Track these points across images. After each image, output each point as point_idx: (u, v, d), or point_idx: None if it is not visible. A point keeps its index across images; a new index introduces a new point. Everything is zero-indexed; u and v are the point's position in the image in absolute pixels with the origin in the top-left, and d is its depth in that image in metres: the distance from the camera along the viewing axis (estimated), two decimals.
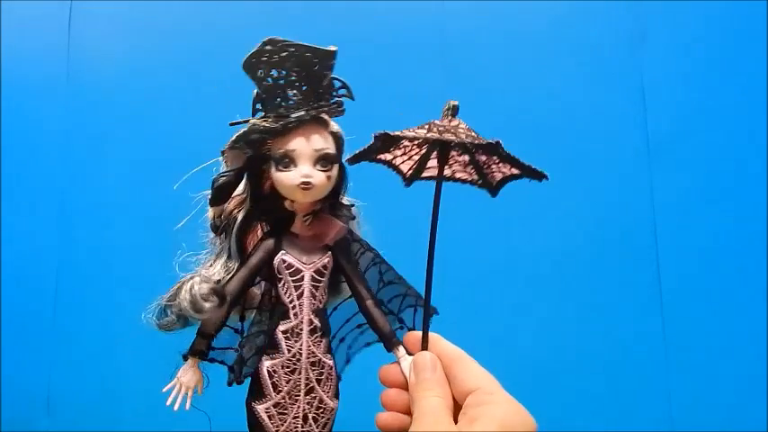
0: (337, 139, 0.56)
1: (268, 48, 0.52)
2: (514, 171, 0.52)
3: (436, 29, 1.15)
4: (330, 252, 0.56)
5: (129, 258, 1.12)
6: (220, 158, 0.56)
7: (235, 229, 0.56)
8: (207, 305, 0.52)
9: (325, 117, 0.55)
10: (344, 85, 0.54)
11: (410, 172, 0.57)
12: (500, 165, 0.53)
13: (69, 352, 1.12)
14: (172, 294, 0.54)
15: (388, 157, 0.56)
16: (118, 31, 1.22)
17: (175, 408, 0.53)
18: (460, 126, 0.50)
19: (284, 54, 0.52)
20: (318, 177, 0.53)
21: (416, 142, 0.55)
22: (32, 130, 1.21)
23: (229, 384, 0.56)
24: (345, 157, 0.54)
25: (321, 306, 0.56)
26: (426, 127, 0.50)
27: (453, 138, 0.49)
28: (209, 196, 0.56)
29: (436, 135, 0.49)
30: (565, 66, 1.14)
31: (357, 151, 0.52)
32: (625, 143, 1.11)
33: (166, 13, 1.22)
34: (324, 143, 0.54)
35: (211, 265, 0.56)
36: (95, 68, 1.22)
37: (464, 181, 0.56)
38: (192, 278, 0.54)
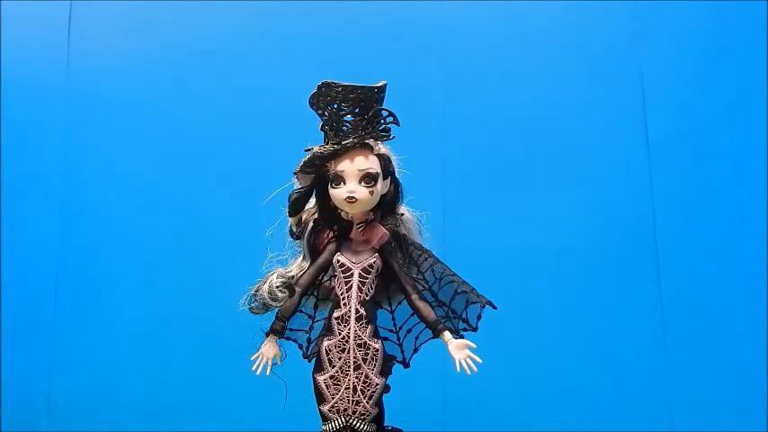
0: (383, 159, 0.66)
1: (323, 89, 0.65)
2: None
3: (435, 29, 1.15)
4: (377, 254, 0.67)
5: (129, 258, 1.12)
6: (293, 179, 0.68)
7: (306, 235, 0.69)
8: (280, 295, 0.67)
9: (371, 142, 0.66)
10: (391, 114, 0.66)
11: None
12: None
13: (69, 352, 1.12)
14: (258, 285, 0.68)
15: None
16: (118, 31, 1.22)
17: (257, 373, 0.67)
18: None
19: (334, 94, 0.64)
20: (361, 192, 0.65)
21: None
22: (32, 130, 1.21)
23: (304, 357, 0.70)
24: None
25: (368, 298, 0.67)
26: None
27: None
28: (287, 209, 0.69)
29: None
30: (565, 66, 1.13)
31: None
32: (625, 143, 1.11)
33: (166, 14, 1.22)
34: (366, 164, 0.65)
35: (292, 264, 0.70)
36: (95, 68, 1.22)
37: None
38: (273, 273, 0.68)
